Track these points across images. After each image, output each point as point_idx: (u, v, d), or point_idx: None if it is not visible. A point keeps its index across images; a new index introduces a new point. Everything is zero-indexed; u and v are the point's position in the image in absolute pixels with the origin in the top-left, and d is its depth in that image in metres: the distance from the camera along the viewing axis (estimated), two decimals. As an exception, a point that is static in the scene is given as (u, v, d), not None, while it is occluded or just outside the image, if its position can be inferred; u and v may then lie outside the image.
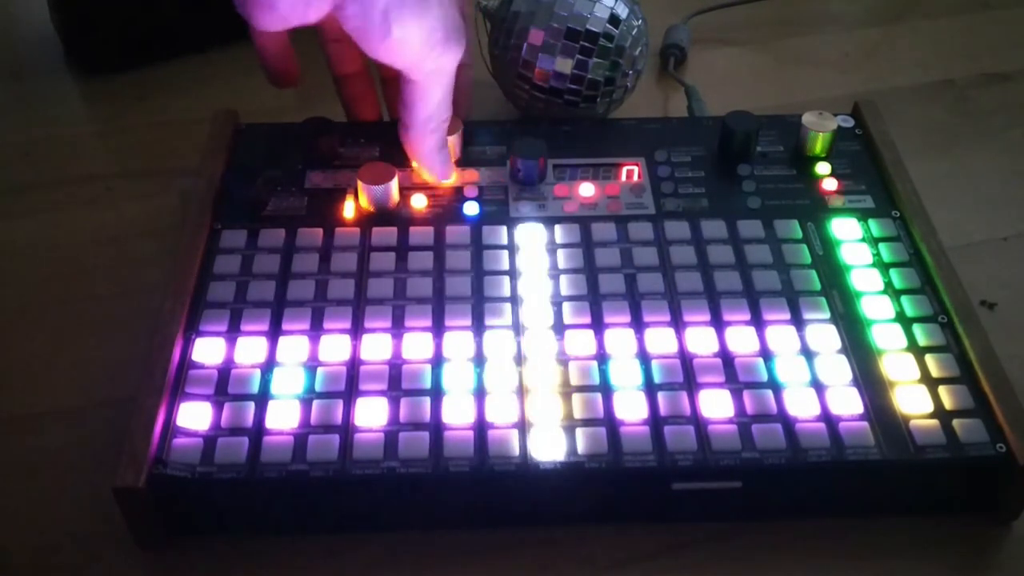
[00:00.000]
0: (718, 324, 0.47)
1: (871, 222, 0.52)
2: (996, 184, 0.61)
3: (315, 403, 0.44)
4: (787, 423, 0.43)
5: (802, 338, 0.47)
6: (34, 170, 0.62)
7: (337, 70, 0.56)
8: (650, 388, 0.44)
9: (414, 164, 0.54)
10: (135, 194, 0.60)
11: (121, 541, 0.43)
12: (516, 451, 0.42)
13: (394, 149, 0.53)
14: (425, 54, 0.48)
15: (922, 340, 0.47)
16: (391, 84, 0.55)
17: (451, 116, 0.52)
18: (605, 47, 0.56)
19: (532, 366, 0.45)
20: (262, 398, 0.44)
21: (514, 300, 0.48)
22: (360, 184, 0.52)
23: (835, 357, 0.46)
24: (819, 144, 0.55)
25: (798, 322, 0.47)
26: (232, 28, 0.68)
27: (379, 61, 0.49)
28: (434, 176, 0.53)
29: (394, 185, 0.52)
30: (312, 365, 0.45)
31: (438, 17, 0.47)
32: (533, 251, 0.51)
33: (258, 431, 0.43)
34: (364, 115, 0.58)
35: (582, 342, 0.46)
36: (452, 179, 0.54)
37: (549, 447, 0.42)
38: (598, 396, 0.44)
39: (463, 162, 0.55)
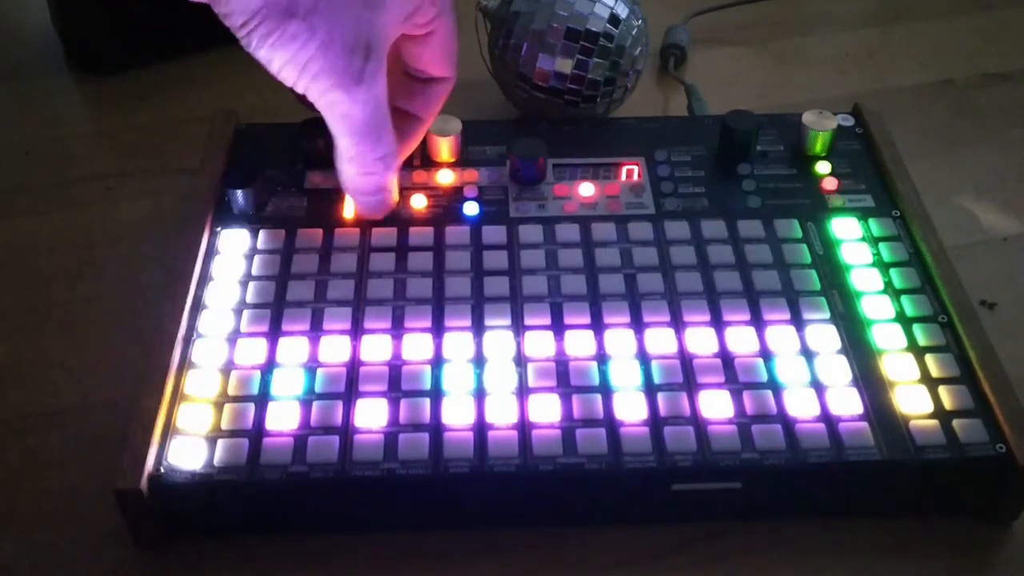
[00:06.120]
0: (718, 324, 0.47)
1: (871, 221, 0.52)
2: (996, 184, 0.61)
3: (315, 404, 0.44)
4: (787, 423, 0.43)
5: (802, 338, 0.46)
6: (34, 170, 0.62)
7: None
8: (650, 389, 0.44)
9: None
10: (135, 194, 0.60)
11: (121, 542, 0.43)
12: (516, 452, 0.42)
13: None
14: (304, 86, 0.43)
15: (922, 340, 0.47)
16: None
17: (382, 153, 0.47)
18: (605, 47, 0.56)
19: (532, 367, 0.45)
20: (262, 399, 0.44)
21: (514, 300, 0.48)
22: (360, 184, 0.52)
23: (835, 357, 0.46)
24: (819, 143, 0.55)
25: (798, 322, 0.47)
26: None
27: None
28: (361, 211, 0.51)
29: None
30: (312, 366, 0.45)
31: (316, 49, 0.42)
32: (533, 251, 0.50)
33: (258, 432, 0.43)
34: None
35: (582, 342, 0.46)
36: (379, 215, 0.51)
37: (549, 448, 0.42)
38: (598, 397, 0.44)
39: (463, 162, 0.55)
